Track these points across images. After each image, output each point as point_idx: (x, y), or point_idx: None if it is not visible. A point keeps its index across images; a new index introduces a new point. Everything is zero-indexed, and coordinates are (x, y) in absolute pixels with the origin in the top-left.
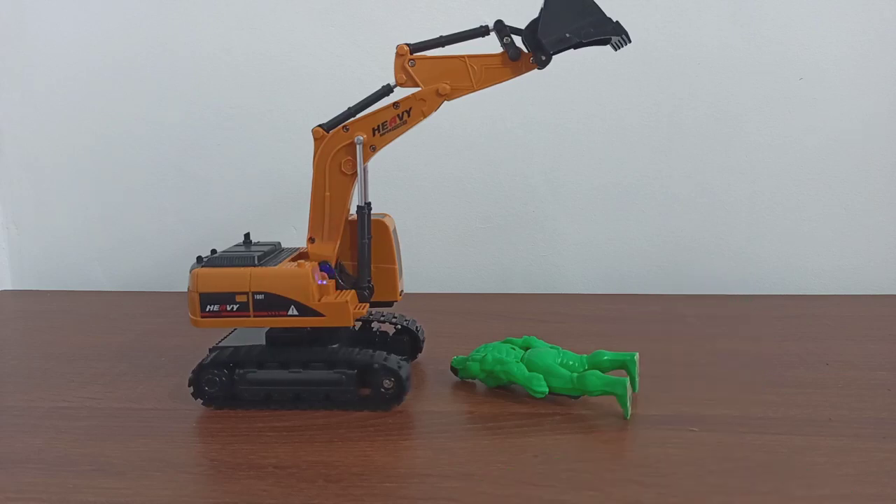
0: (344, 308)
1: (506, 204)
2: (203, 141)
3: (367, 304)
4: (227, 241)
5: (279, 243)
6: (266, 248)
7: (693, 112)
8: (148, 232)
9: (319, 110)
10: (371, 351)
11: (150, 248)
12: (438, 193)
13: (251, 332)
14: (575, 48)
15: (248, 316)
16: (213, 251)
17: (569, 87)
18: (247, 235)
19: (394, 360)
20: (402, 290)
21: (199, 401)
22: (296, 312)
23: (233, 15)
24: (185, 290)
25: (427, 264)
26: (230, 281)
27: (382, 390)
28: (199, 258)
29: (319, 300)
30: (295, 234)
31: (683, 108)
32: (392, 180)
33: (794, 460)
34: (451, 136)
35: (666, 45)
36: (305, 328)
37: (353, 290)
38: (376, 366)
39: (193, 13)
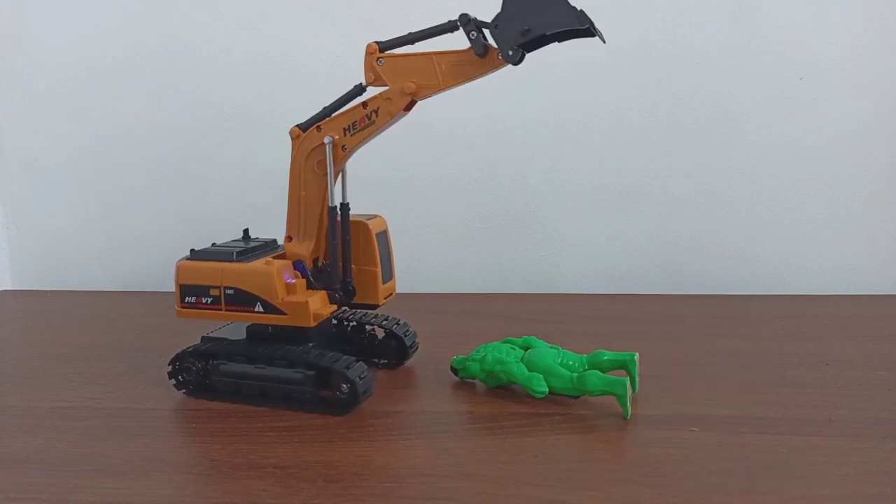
0: (303, 307)
1: (506, 204)
2: (203, 141)
3: (336, 306)
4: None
5: (275, 240)
6: (255, 245)
7: (693, 112)
8: (148, 232)
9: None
10: (331, 353)
11: (150, 248)
12: (438, 193)
13: (244, 325)
14: (560, 41)
15: (220, 309)
16: (214, 244)
17: (569, 87)
18: (245, 231)
19: (344, 362)
20: (390, 294)
21: (183, 391)
22: (261, 309)
23: (233, 15)
24: None
25: (427, 264)
26: (205, 274)
27: (338, 393)
28: (192, 251)
29: (283, 298)
30: None
31: (683, 108)
32: (392, 180)
33: (794, 460)
34: (451, 136)
35: (666, 45)
36: (280, 324)
37: (324, 291)
38: (329, 368)
39: (193, 13)
